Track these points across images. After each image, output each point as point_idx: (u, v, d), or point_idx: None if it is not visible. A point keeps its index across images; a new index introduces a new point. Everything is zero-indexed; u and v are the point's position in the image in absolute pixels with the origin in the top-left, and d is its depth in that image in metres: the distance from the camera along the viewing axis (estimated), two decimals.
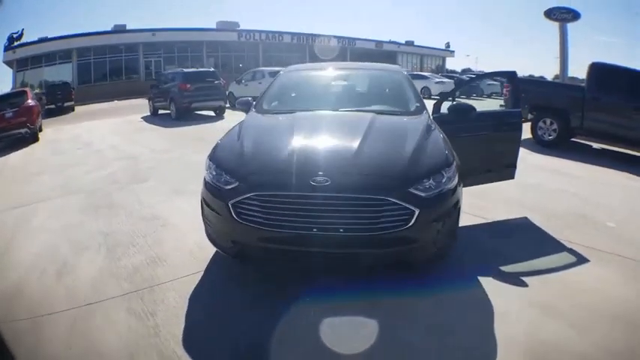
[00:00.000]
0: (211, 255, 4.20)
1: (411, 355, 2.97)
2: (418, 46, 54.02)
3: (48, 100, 25.17)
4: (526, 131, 7.50)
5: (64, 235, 5.09)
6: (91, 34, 34.67)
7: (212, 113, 17.78)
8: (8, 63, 34.22)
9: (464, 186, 3.94)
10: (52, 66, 34.17)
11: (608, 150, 10.47)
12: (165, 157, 9.59)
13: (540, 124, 10.49)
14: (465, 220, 4.42)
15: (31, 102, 14.70)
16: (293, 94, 5.44)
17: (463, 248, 4.24)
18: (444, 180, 3.49)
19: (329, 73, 5.93)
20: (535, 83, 13.09)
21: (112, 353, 3.04)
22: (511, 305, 3.48)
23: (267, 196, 3.32)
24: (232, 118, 15.90)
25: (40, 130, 15.44)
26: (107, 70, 35.97)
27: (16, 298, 3.81)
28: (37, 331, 3.28)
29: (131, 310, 3.46)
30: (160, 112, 18.59)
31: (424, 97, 5.57)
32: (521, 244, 4.66)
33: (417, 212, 3.26)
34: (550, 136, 10.44)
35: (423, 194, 3.35)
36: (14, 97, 15.02)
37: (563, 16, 21.22)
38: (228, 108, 18.44)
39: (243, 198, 3.36)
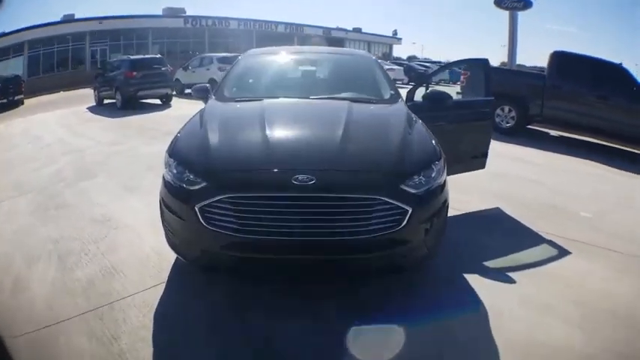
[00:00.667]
0: (172, 262, 3.72)
1: None
2: (366, 34, 54.26)
3: (1, 94, 23.71)
4: None
5: (15, 243, 4.49)
6: (41, 26, 33.48)
7: (158, 101, 17.03)
8: None
9: None
10: (5, 60, 32.37)
11: (565, 137, 10.70)
12: (114, 149, 8.95)
13: (498, 111, 10.44)
14: None
15: None
16: (257, 80, 4.94)
17: (443, 243, 3.97)
18: (433, 174, 3.16)
19: (294, 58, 5.47)
20: (494, 70, 13.11)
21: None
22: (503, 304, 3.29)
23: (243, 199, 2.87)
24: (179, 106, 15.52)
25: None
26: (55, 61, 34.97)
27: None
28: None
29: (92, 334, 2.94)
30: (106, 101, 17.71)
31: None
32: (499, 236, 4.54)
33: (409, 211, 2.92)
34: (508, 123, 10.49)
35: (414, 191, 3.01)
36: None
37: (514, 5, 21.46)
38: (174, 96, 17.80)
39: (213, 201, 2.87)
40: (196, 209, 2.90)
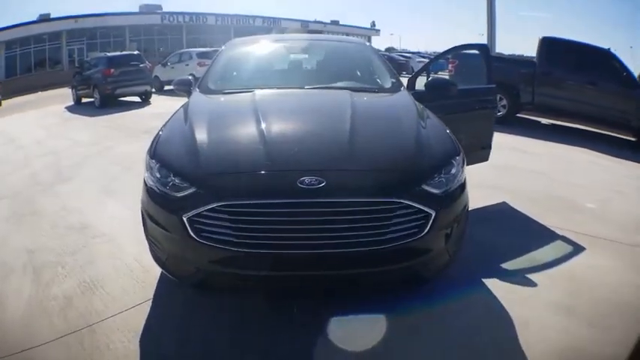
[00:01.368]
0: (158, 275, 3.32)
1: None
2: (344, 26, 54.09)
3: None
4: None
5: None
6: (17, 26, 33.46)
7: (137, 99, 16.52)
8: None
9: None
10: None
11: (557, 125, 10.52)
12: (92, 150, 8.49)
13: None
14: None
15: None
16: (245, 70, 4.48)
17: None
18: (454, 171, 2.77)
19: (284, 45, 5.03)
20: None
21: None
22: (528, 311, 2.97)
23: (240, 207, 2.42)
24: (159, 103, 15.10)
25: None
26: (32, 61, 34.91)
27: None
28: None
29: None
30: (84, 100, 17.19)
31: None
32: (510, 233, 4.24)
33: (432, 215, 2.52)
34: (499, 112, 10.22)
35: (436, 191, 2.62)
36: None
37: None
38: (154, 93, 17.31)
39: (205, 210, 2.43)
40: (184, 220, 2.47)
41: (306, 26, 47.76)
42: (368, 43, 5.28)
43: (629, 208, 5.15)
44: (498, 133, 8.45)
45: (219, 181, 2.55)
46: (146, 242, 2.94)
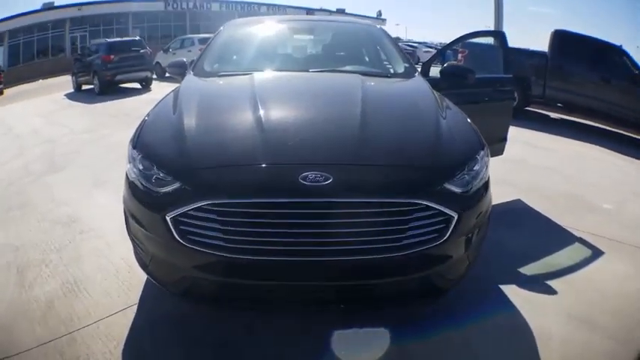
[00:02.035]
0: (144, 277, 2.95)
1: None
2: (349, 14, 53.18)
3: None
4: None
5: None
6: (21, 15, 33.37)
7: (138, 85, 16.26)
8: None
9: None
10: None
11: (566, 120, 10.33)
12: (87, 138, 8.25)
13: None
14: None
15: None
16: (244, 52, 4.08)
17: None
18: (477, 167, 2.41)
19: (287, 26, 4.61)
20: (492, 49, 12.60)
21: None
22: (549, 323, 2.71)
23: (231, 206, 2.07)
24: (160, 90, 14.68)
25: None
26: (35, 49, 34.70)
27: None
28: None
29: None
30: (85, 87, 16.83)
31: None
32: (526, 233, 4.00)
33: (455, 218, 2.18)
34: None
35: (459, 191, 2.28)
36: None
37: None
38: (155, 79, 17.00)
39: (191, 209, 2.09)
40: (168, 220, 2.13)
41: (311, 14, 47.25)
42: (379, 25, 4.84)
43: None
44: None
45: (207, 176, 2.21)
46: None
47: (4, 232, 4.11)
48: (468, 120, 2.89)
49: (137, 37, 18.86)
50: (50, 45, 35.36)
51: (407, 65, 3.80)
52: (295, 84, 3.33)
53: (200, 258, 2.12)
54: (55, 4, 35.28)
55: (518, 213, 4.50)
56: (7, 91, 22.27)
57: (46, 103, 14.55)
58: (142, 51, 16.33)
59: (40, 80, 26.14)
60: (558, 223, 4.26)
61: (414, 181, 2.24)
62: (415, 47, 34.50)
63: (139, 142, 2.53)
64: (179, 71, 3.82)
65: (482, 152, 2.52)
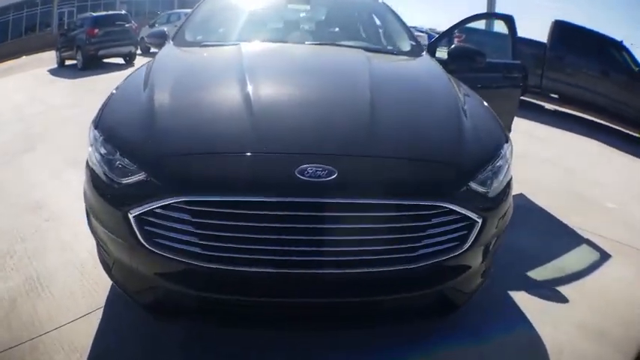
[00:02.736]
0: None
1: None
2: None
3: None
4: None
5: None
6: None
7: (122, 60, 15.83)
8: None
9: None
10: None
11: (559, 111, 10.23)
12: (66, 114, 7.87)
13: None
14: None
15: None
16: (232, 20, 3.61)
17: None
18: (500, 163, 2.04)
19: None
20: (491, 35, 12.35)
21: None
22: (562, 335, 2.48)
23: (210, 205, 1.67)
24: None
25: None
26: (23, 26, 34.35)
27: None
28: None
29: None
30: (68, 62, 16.45)
31: None
32: (533, 232, 3.75)
33: (479, 223, 1.83)
34: None
35: (484, 191, 1.92)
36: None
37: None
38: (139, 54, 16.55)
39: (158, 206, 1.69)
40: (131, 218, 1.73)
41: None
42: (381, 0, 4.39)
43: None
44: None
45: (179, 166, 1.79)
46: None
47: None
48: (490, 109, 2.54)
49: (123, 12, 18.42)
50: (39, 21, 34.94)
51: (413, 43, 3.47)
52: (291, 57, 2.93)
53: (169, 266, 1.74)
54: None
55: (523, 209, 4.18)
56: None
57: (28, 79, 14.16)
58: (126, 25, 15.90)
59: (24, 57, 25.30)
60: (563, 221, 4.10)
61: (437, 180, 1.87)
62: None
63: (101, 122, 2.12)
64: (159, 42, 3.40)
65: (505, 146, 2.16)
